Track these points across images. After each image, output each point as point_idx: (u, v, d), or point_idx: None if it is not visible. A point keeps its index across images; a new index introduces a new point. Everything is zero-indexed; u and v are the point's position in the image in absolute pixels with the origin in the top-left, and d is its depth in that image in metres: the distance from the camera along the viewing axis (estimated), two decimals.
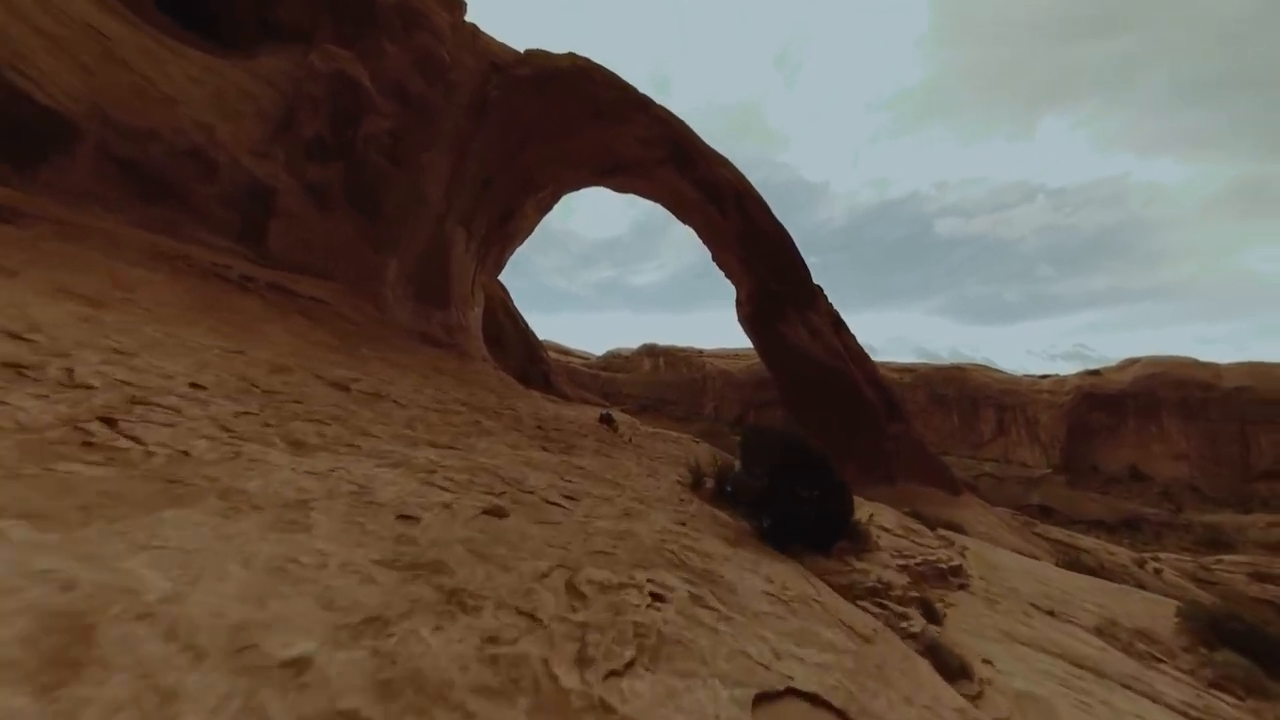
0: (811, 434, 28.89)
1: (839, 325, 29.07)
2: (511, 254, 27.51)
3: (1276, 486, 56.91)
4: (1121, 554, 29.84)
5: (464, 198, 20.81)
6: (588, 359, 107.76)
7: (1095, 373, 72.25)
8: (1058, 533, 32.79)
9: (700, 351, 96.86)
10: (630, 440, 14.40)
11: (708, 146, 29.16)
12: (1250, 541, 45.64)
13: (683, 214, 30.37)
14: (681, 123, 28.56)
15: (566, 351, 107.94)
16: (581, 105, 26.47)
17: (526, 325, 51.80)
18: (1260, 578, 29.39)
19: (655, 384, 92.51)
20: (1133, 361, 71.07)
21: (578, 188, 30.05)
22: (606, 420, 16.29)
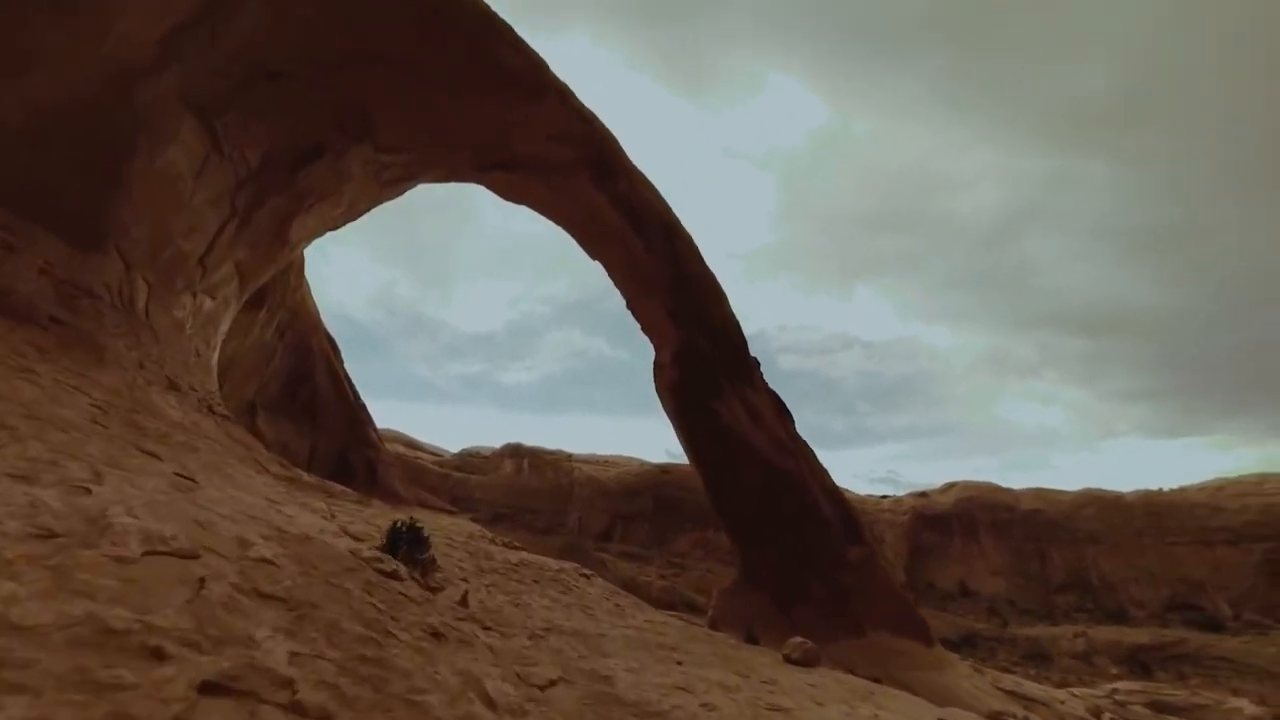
0: (752, 562, 19.45)
1: (782, 411, 21.05)
2: (309, 232, 16.47)
3: (1072, 598, 61.33)
4: (1072, 703, 23.93)
5: (206, 67, 10.47)
6: (440, 456, 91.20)
7: (924, 494, 73.84)
8: (1007, 681, 26.25)
9: (569, 456, 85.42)
10: (466, 602, 4.06)
11: (634, 164, 21.59)
12: (1063, 653, 48.96)
13: (594, 243, 21.79)
14: (606, 127, 20.92)
15: (415, 445, 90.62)
16: (474, 60, 17.79)
17: (356, 396, 38.32)
18: (1159, 707, 25.54)
19: (515, 489, 78.44)
20: (951, 485, 74.15)
21: (447, 178, 20.48)
22: (408, 543, 5.77)
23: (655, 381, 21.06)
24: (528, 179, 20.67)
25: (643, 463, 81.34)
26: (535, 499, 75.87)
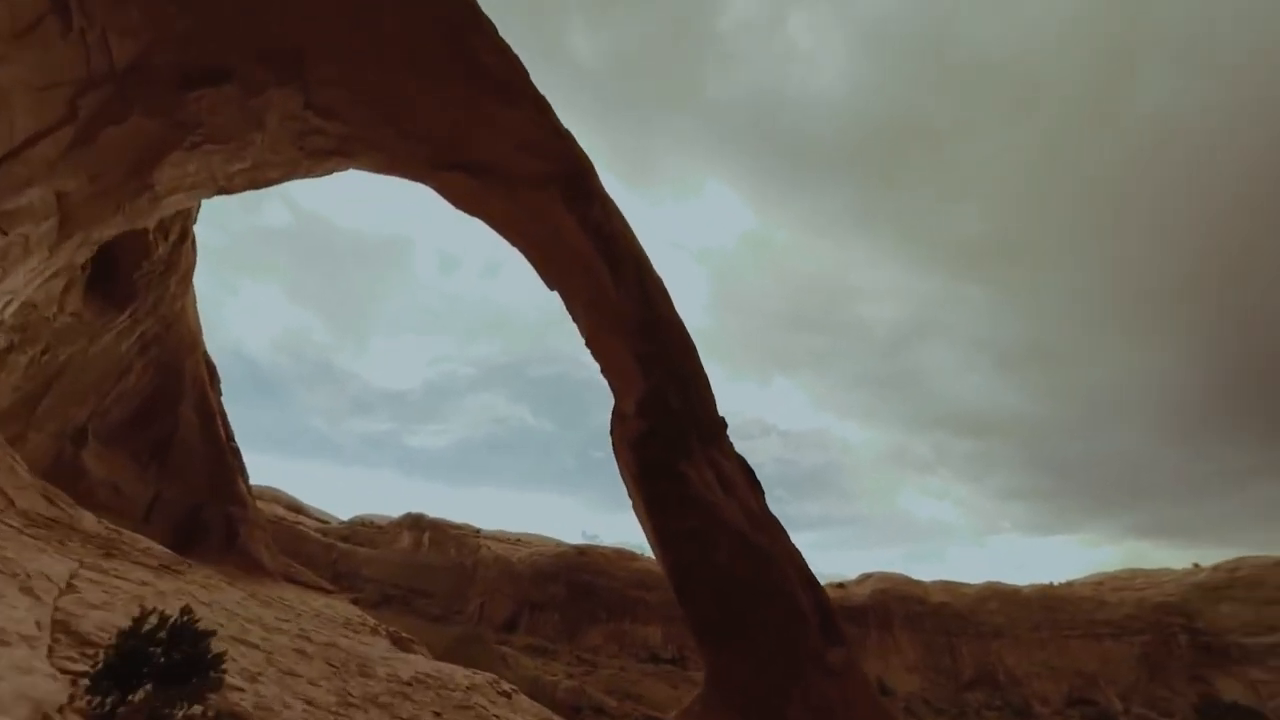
0: (722, 672, 15.39)
1: (753, 480, 18.08)
2: (186, 183, 12.19)
3: (981, 695, 60.07)
4: None
5: None
6: (327, 524, 79.52)
7: (841, 585, 71.74)
8: None
9: (476, 531, 76.77)
10: None
11: (608, 194, 19.24)
12: None
13: (555, 268, 18.72)
14: (582, 150, 18.64)
15: (299, 509, 78.75)
16: (448, 46, 15.26)
17: (229, 440, 31.56)
18: None
19: (411, 567, 68.52)
20: (867, 576, 72.90)
21: (389, 168, 17.08)
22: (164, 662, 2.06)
23: (613, 433, 17.52)
24: (488, 188, 17.68)
25: (558, 543, 74.33)
26: (433, 579, 66.34)
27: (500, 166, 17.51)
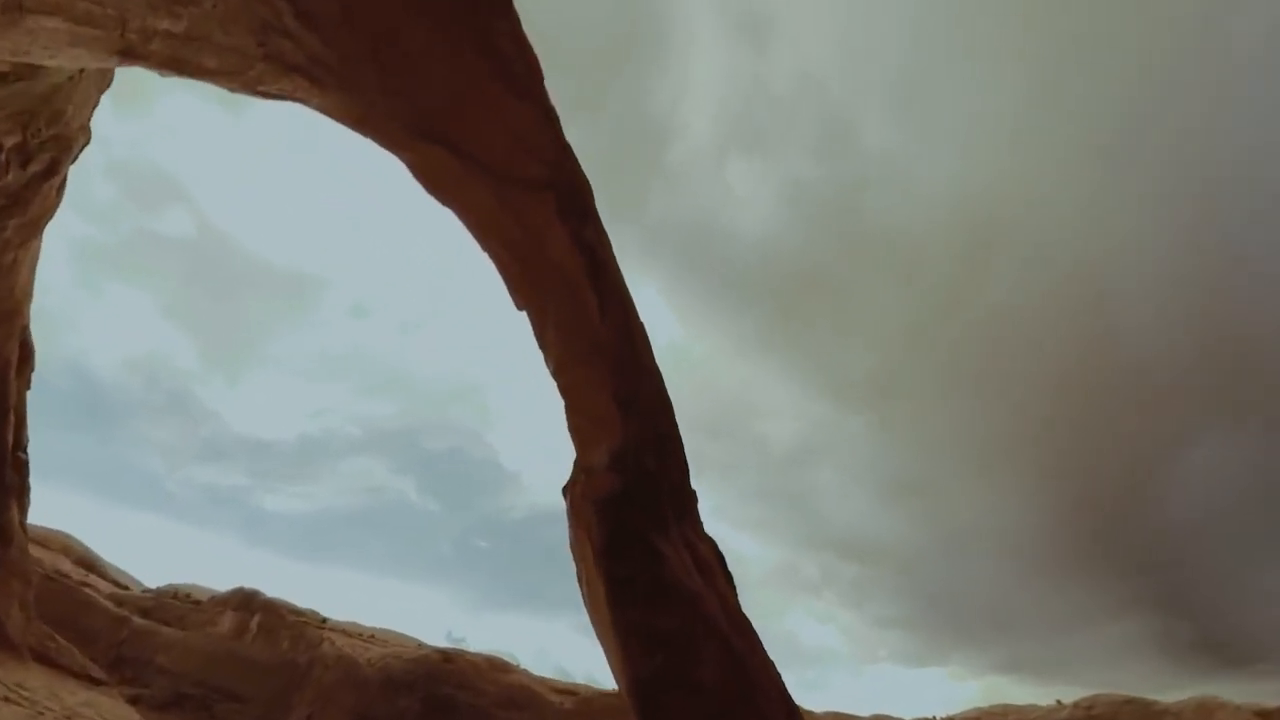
0: None
1: (726, 569, 14.70)
2: (61, 40, 8.15)
3: None
4: None
5: None
6: (126, 591, 62.87)
7: None
8: None
9: (321, 620, 63.31)
10: None
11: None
12: None
13: (531, 282, 15.50)
14: (584, 173, 16.53)
15: (93, 565, 62.08)
16: (467, 16, 13.20)
17: (18, 450, 23.75)
18: None
19: (226, 659, 54.14)
20: None
21: (361, 124, 13.84)
22: None
23: (572, 491, 13.60)
24: (471, 175, 14.75)
25: (420, 645, 62.62)
26: (251, 678, 52.43)
27: (492, 157, 14.81)
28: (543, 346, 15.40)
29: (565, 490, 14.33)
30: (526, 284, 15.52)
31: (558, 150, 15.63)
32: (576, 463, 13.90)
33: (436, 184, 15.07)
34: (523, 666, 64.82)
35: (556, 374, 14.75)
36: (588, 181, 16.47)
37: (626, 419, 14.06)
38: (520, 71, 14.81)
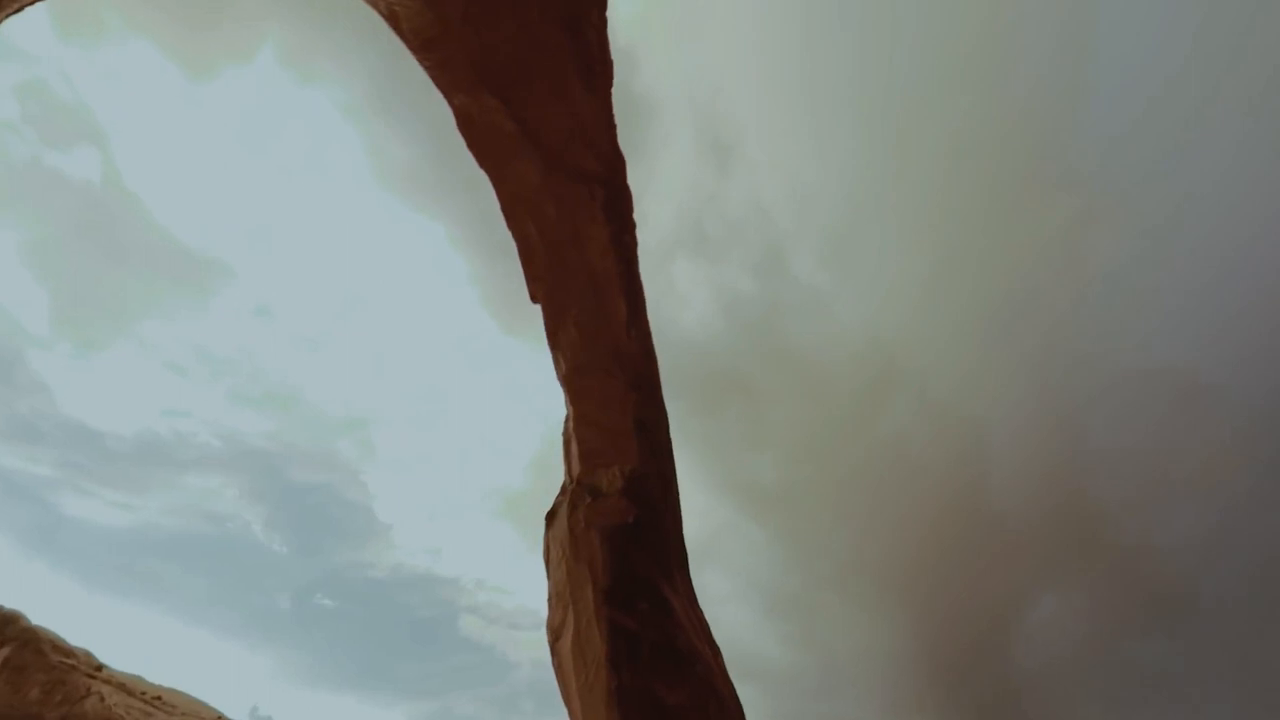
0: None
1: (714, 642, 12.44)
2: None
3: None
4: None
5: None
6: None
7: None
8: None
9: (97, 668, 49.12)
10: None
11: None
12: None
13: (554, 278, 13.52)
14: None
15: None
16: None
17: None
18: None
19: None
20: None
21: (424, 48, 11.97)
22: None
23: (569, 515, 11.01)
24: (523, 144, 13.16)
25: (220, 717, 49.79)
26: None
27: (548, 134, 13.43)
28: (555, 345, 13.27)
29: (553, 516, 11.75)
30: (551, 274, 13.62)
31: (613, 152, 14.56)
32: (577, 482, 11.47)
33: (482, 140, 13.27)
34: None
35: (570, 376, 12.60)
36: (631, 193, 15.44)
37: (642, 442, 12.06)
38: (596, 66, 13.93)
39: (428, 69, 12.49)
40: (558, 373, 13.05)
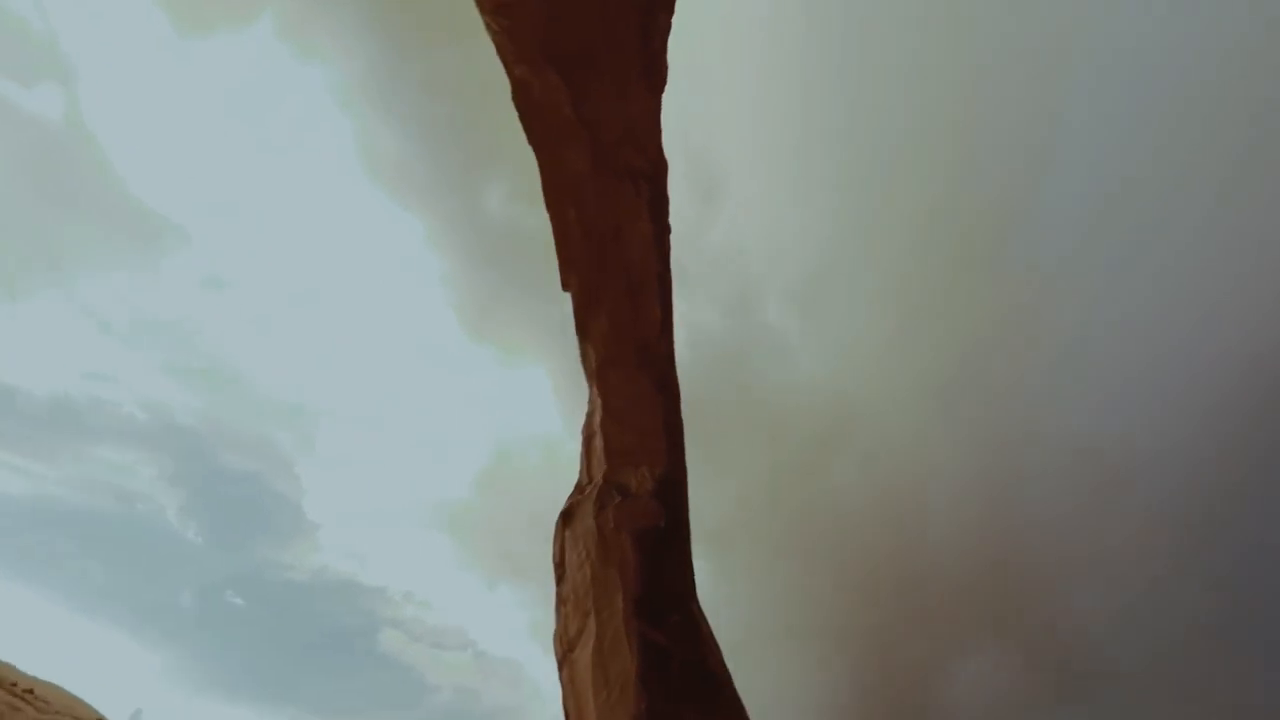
0: None
1: None
2: None
3: None
4: None
5: None
6: None
7: None
8: None
9: None
10: None
11: None
12: None
13: (588, 270, 12.85)
14: None
15: None
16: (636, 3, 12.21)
17: None
18: None
19: None
20: None
21: (497, 8, 11.39)
22: None
23: (597, 513, 10.09)
24: (577, 127, 12.67)
25: (98, 718, 43.58)
26: None
27: (603, 124, 13.04)
28: (585, 335, 12.51)
29: (570, 515, 10.82)
30: (588, 265, 12.98)
31: (659, 155, 14.31)
32: (605, 479, 10.63)
33: (537, 117, 12.69)
34: None
35: (600, 369, 11.86)
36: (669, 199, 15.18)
37: (670, 447, 11.42)
38: (655, 67, 13.79)
39: (494, 34, 11.91)
40: (585, 365, 12.31)
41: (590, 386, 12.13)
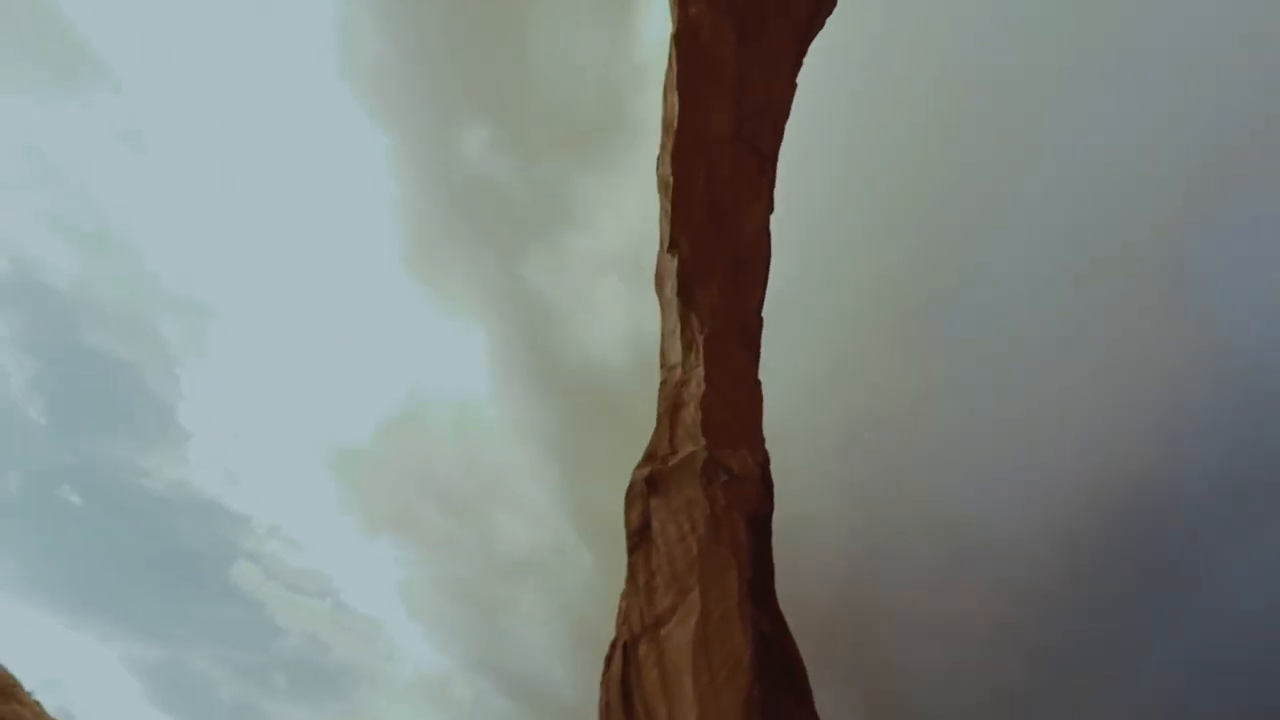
0: None
1: None
2: None
3: None
4: None
5: None
6: None
7: None
8: None
9: None
10: None
11: None
12: None
13: (706, 229, 12.10)
14: None
15: None
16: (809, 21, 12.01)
17: None
18: None
19: None
20: None
21: None
22: None
23: (707, 489, 9.32)
24: (732, 85, 12.07)
25: None
26: None
27: (750, 94, 12.55)
28: (691, 303, 11.65)
29: (659, 482, 9.93)
30: (704, 234, 12.18)
31: (778, 144, 14.00)
32: (708, 455, 9.87)
33: (697, 61, 11.80)
34: None
35: (710, 340, 11.08)
36: None
37: (759, 440, 10.97)
38: (799, 60, 13.65)
39: None
40: (686, 333, 11.46)
41: (684, 354, 11.34)
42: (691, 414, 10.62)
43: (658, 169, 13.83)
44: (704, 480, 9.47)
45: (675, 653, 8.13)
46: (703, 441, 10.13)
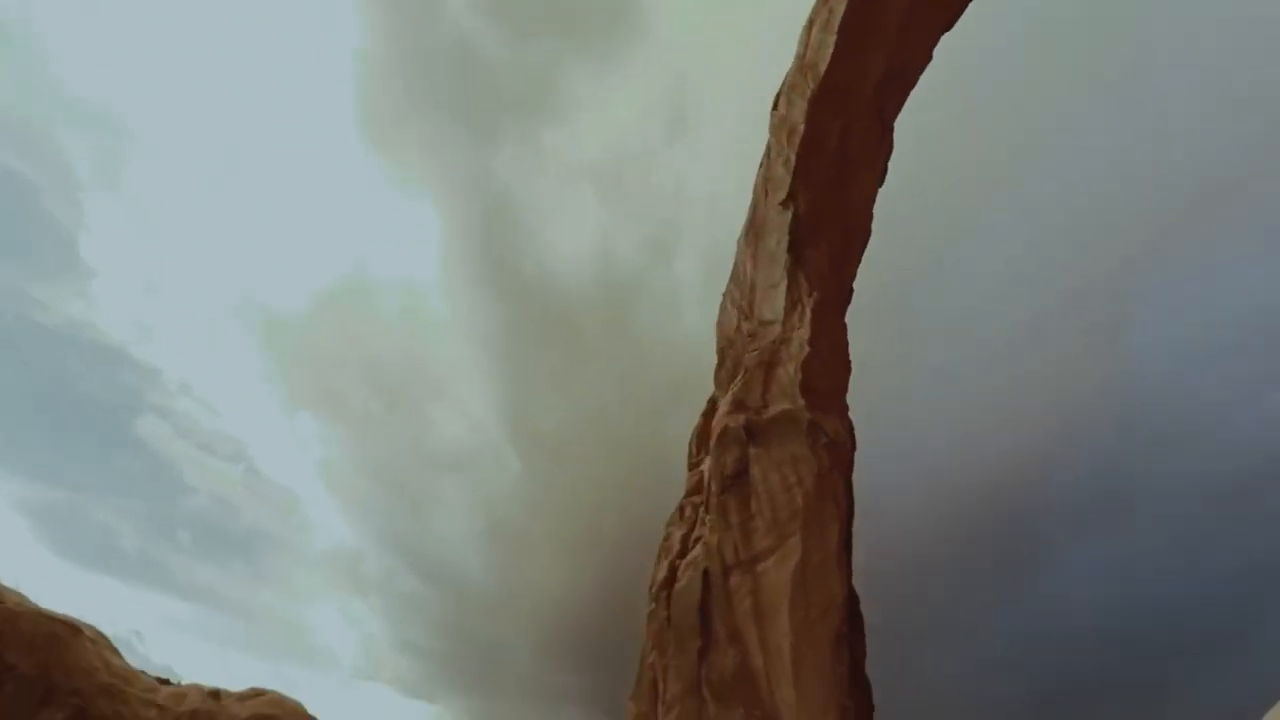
0: None
1: None
2: None
3: None
4: None
5: None
6: None
7: (216, 694, 48.38)
8: None
9: None
10: None
11: None
12: None
13: (824, 190, 11.90)
14: None
15: None
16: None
17: None
18: None
19: None
20: (258, 694, 52.78)
21: None
22: None
23: (813, 447, 9.87)
24: (891, 38, 11.55)
25: None
26: None
27: (900, 54, 12.14)
28: (800, 263, 11.65)
29: (758, 433, 10.40)
30: (823, 194, 12.01)
31: (894, 120, 13.71)
32: (806, 413, 10.37)
33: (866, 8, 11.00)
34: None
35: (819, 308, 11.21)
36: None
37: (846, 404, 11.65)
38: (932, 48, 13.12)
39: None
40: (793, 291, 11.49)
41: (787, 313, 11.50)
42: (790, 374, 11.02)
43: (777, 108, 13.17)
44: (810, 439, 10.10)
45: (773, 587, 9.05)
46: (801, 402, 10.66)
